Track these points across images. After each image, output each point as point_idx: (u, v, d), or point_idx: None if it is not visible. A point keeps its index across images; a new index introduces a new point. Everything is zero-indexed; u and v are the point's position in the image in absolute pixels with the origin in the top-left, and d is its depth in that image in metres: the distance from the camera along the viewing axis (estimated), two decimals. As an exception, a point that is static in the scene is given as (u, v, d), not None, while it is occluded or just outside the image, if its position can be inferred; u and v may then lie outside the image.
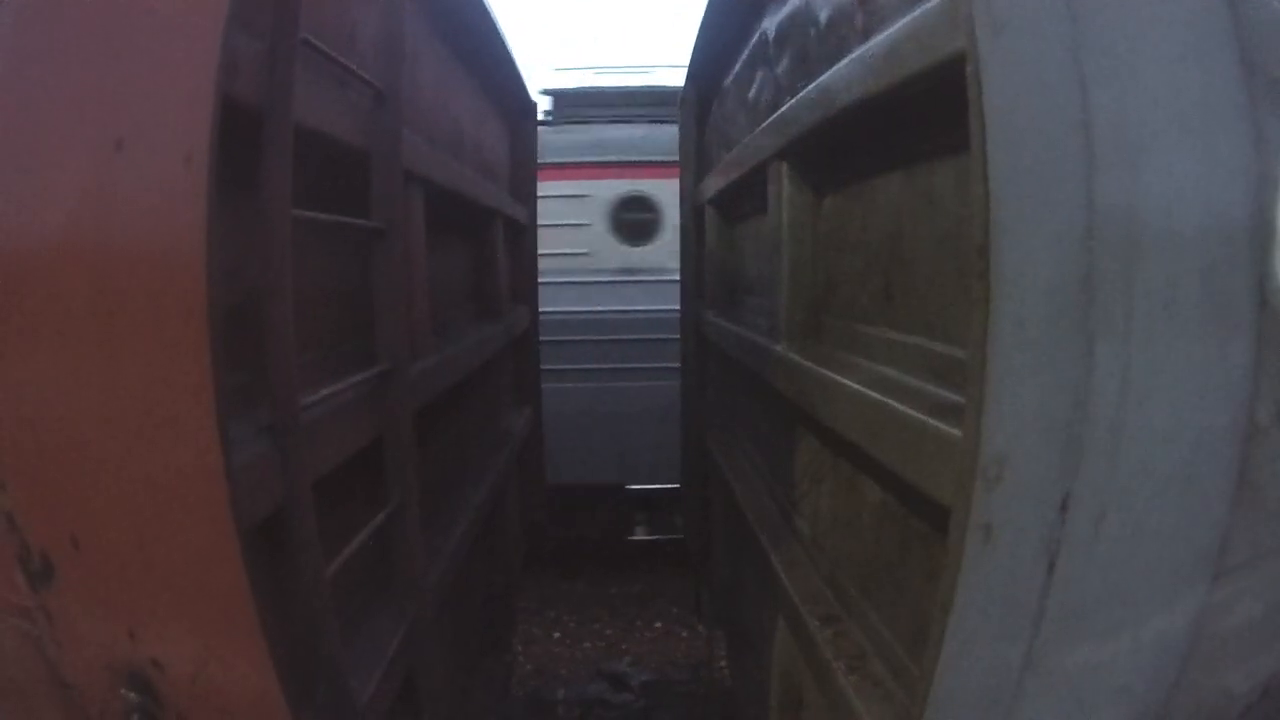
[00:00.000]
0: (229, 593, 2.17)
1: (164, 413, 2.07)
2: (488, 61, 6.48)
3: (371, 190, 3.42)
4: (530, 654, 9.02)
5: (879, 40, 2.59)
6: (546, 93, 11.57)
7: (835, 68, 3.00)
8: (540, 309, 8.85)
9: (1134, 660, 2.17)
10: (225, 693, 2.36)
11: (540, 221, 8.83)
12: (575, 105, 11.35)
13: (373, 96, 3.39)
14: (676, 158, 8.45)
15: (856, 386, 2.79)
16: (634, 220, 10.48)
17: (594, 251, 10.29)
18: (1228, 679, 2.32)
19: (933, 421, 2.19)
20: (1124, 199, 1.84)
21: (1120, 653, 2.15)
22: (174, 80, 2.04)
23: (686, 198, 8.10)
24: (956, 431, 1.98)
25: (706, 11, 6.16)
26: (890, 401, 2.49)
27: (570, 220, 10.20)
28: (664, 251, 9.86)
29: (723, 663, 7.98)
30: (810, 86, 3.33)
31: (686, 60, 7.45)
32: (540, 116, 9.61)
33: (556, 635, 9.56)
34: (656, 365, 9.68)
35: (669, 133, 8.94)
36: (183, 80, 2.03)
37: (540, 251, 8.89)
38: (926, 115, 2.49)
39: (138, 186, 2.03)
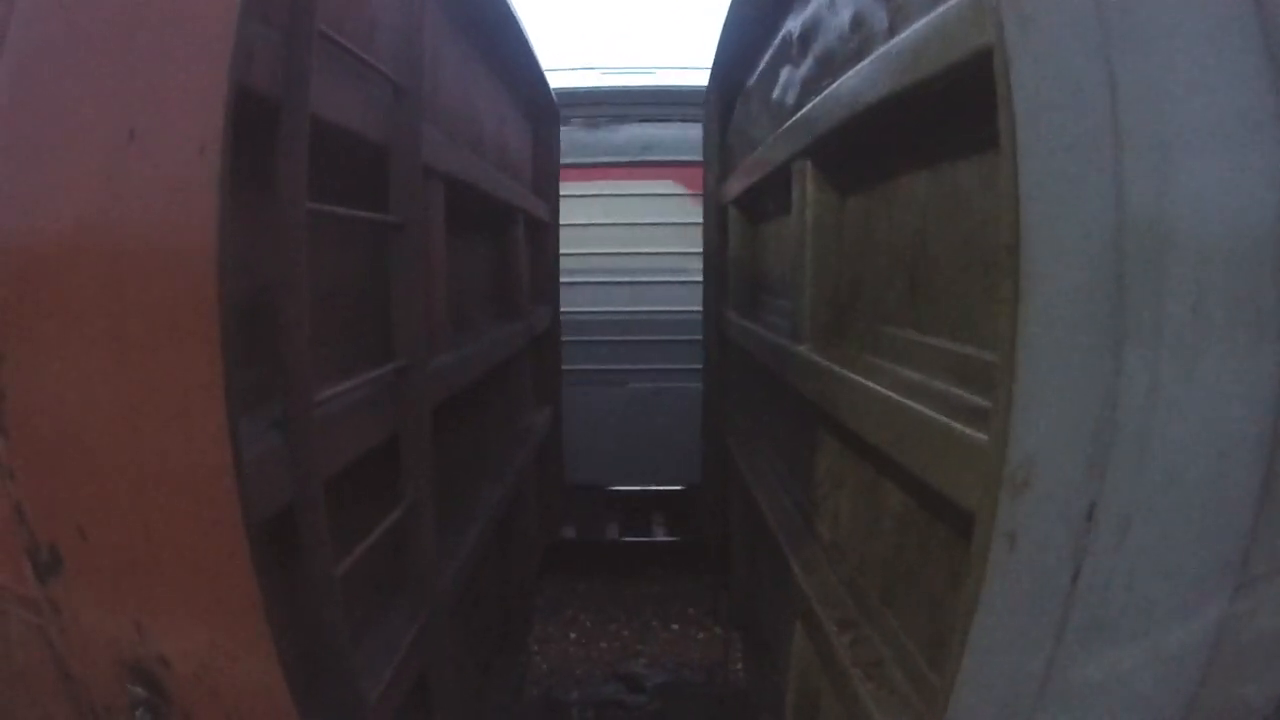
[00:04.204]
0: (237, 590, 2.15)
1: (174, 406, 2.04)
2: (511, 61, 6.47)
3: (390, 185, 3.39)
4: (546, 653, 9.00)
5: (904, 37, 2.55)
6: None
7: (859, 65, 2.97)
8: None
9: (1154, 671, 2.14)
10: (232, 691, 2.34)
11: None
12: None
13: (392, 91, 3.36)
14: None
15: (879, 389, 2.75)
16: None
17: None
18: (1245, 691, 2.30)
19: (958, 426, 2.14)
20: (1155, 198, 1.79)
21: (1141, 664, 2.11)
22: (187, 69, 2.01)
23: (709, 197, 8.07)
24: (983, 436, 1.94)
25: (730, 11, 6.13)
26: (914, 405, 2.44)
27: None
28: None
29: (739, 665, 7.93)
30: (834, 85, 3.29)
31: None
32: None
33: (573, 635, 9.53)
34: None
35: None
36: (196, 69, 2.00)
37: None
38: (952, 113, 2.46)
39: (150, 177, 2.00)
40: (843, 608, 3.38)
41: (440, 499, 3.96)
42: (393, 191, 3.39)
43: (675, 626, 9.67)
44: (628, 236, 9.89)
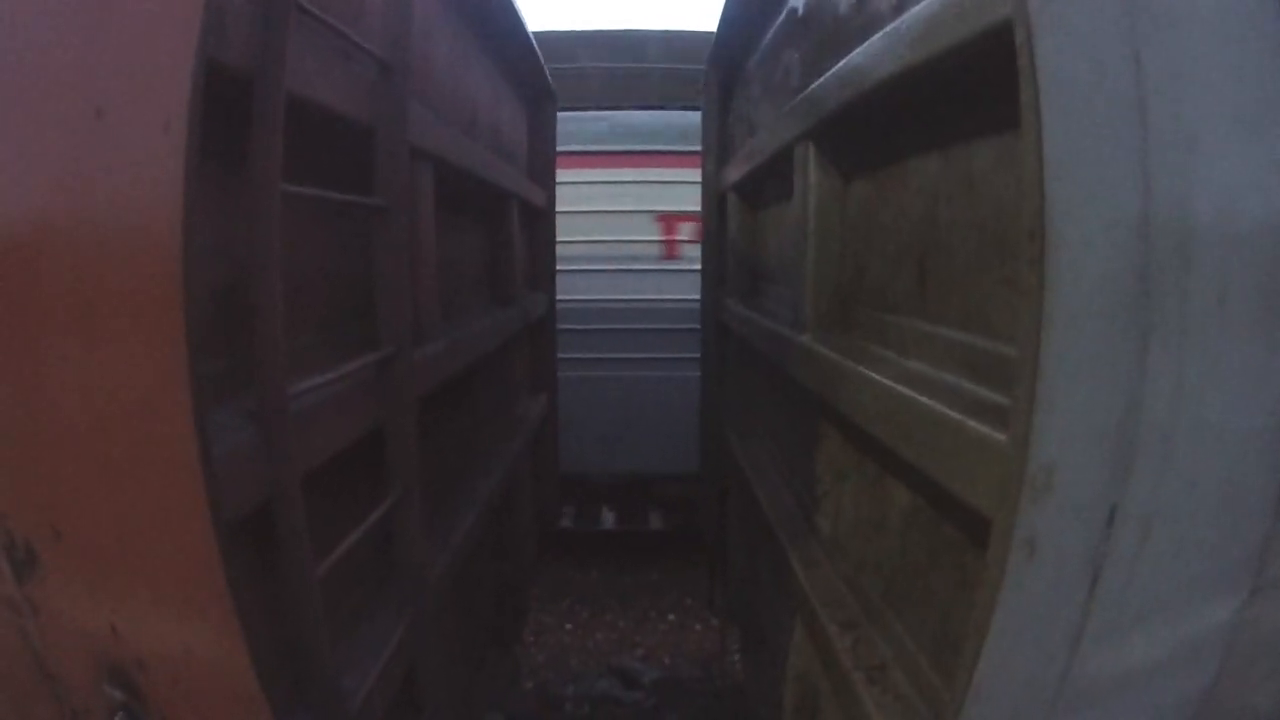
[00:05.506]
0: (209, 591, 2.08)
1: (140, 398, 1.97)
2: (506, 45, 6.35)
3: (375, 167, 3.28)
4: (542, 644, 8.94)
5: (915, 11, 2.44)
6: None
7: (867, 42, 2.85)
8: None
9: (1168, 675, 2.10)
10: (207, 695, 2.28)
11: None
12: None
13: (378, 69, 3.24)
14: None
15: (886, 381, 2.64)
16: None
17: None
18: (1254, 696, 2.27)
19: (971, 423, 2.04)
20: (1180, 184, 1.70)
21: (1155, 667, 2.07)
22: (156, 43, 1.92)
23: (708, 184, 7.96)
24: (1000, 435, 1.84)
25: None
26: (925, 400, 2.33)
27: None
28: None
29: (735, 656, 7.85)
30: (840, 63, 3.18)
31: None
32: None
33: (569, 626, 9.47)
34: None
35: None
36: (164, 43, 1.91)
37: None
38: (966, 91, 2.35)
39: (118, 158, 1.92)
40: (844, 608, 3.29)
41: (431, 490, 3.87)
42: (378, 174, 3.28)
43: (672, 617, 9.64)
44: None
